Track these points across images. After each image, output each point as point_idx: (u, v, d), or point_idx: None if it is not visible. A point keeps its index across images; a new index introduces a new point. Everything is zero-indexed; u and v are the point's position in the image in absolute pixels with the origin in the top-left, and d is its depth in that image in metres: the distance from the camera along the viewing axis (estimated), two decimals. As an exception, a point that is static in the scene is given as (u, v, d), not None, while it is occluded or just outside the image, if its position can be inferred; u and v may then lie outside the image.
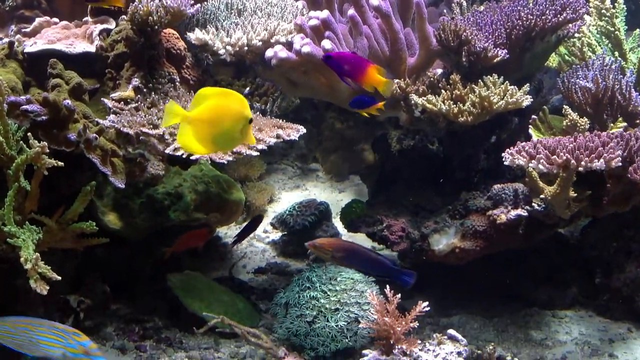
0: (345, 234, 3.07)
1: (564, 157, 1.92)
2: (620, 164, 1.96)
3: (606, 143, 1.98)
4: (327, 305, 2.31)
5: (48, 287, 1.63)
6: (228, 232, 3.23)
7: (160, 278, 2.53)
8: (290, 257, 3.07)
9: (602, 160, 1.92)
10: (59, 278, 1.66)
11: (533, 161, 1.97)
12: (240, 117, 1.57)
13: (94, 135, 1.87)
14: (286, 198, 3.49)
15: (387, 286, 2.18)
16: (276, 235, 3.20)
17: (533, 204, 2.34)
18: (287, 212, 3.09)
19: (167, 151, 1.99)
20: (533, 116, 2.47)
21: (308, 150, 3.74)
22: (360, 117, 3.40)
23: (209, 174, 2.75)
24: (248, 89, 3.08)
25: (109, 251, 2.39)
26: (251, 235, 3.24)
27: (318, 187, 3.60)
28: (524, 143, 2.08)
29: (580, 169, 1.96)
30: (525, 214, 2.32)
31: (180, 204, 2.59)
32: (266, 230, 3.28)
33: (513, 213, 2.33)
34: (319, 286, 2.36)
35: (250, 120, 1.58)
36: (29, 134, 1.75)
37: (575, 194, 2.17)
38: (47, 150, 1.71)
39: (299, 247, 3.04)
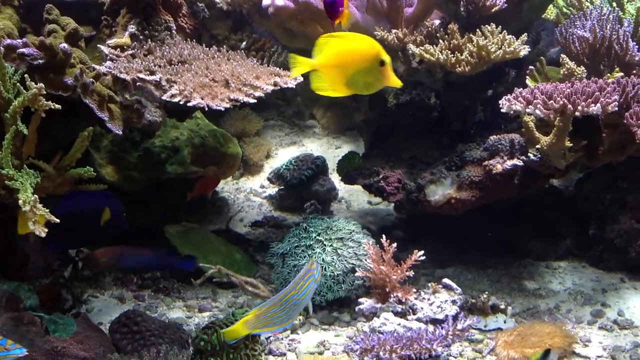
0: (342, 188, 3.08)
1: (561, 102, 1.92)
2: (616, 108, 1.97)
3: (603, 88, 1.98)
4: (324, 255, 2.32)
5: (47, 230, 1.64)
6: (225, 186, 3.24)
7: (159, 230, 2.55)
8: (287, 210, 3.08)
9: (598, 104, 1.92)
10: (58, 220, 1.66)
11: (530, 106, 1.98)
12: (370, 58, 1.56)
13: (91, 79, 1.86)
14: (283, 154, 3.49)
15: (384, 235, 2.21)
16: (273, 189, 3.21)
17: (529, 154, 2.35)
18: (283, 166, 3.09)
19: (164, 97, 1.98)
20: (530, 67, 2.47)
21: (304, 107, 3.73)
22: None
23: (205, 128, 2.74)
24: (245, 43, 3.06)
25: (107, 203, 2.40)
26: (248, 190, 3.26)
27: (315, 143, 3.60)
28: (521, 89, 2.08)
29: (577, 113, 1.96)
30: (521, 164, 2.34)
31: (177, 157, 2.59)
32: (263, 185, 3.28)
33: (509, 163, 2.34)
34: (315, 236, 2.37)
35: (382, 63, 1.56)
36: (26, 75, 1.74)
37: (571, 144, 2.19)
38: (44, 92, 1.70)
39: (295, 201, 3.06)
